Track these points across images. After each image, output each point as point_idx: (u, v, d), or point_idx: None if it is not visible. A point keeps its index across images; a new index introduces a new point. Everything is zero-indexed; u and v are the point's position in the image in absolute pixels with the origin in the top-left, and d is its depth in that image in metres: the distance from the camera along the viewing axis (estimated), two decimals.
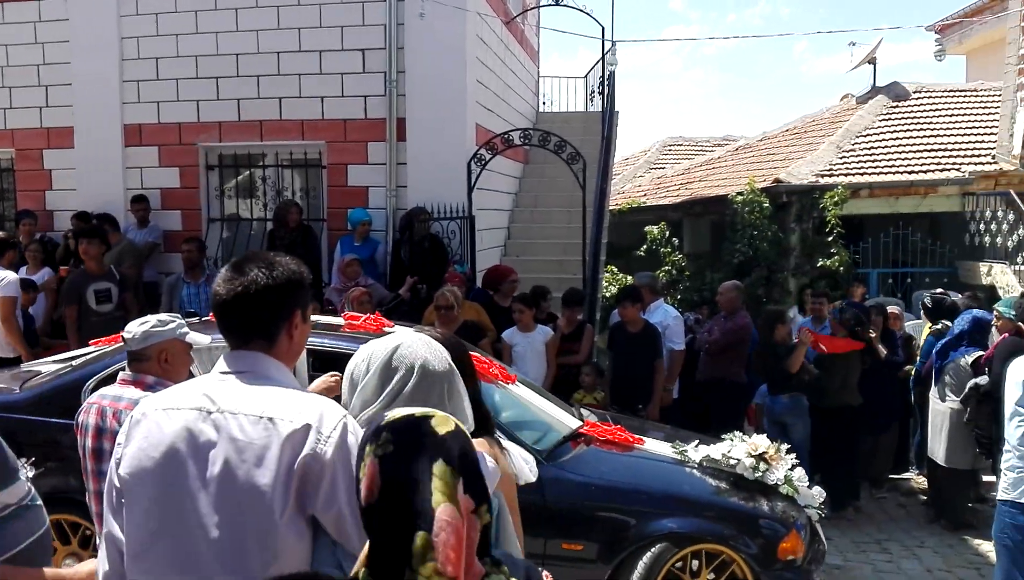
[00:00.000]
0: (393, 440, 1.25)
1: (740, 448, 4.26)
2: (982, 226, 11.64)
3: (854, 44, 15.47)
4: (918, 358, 6.91)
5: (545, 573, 1.54)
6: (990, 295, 10.50)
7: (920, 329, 7.68)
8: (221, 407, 1.61)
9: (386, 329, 4.27)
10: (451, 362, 1.72)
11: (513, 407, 4.31)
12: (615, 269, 12.89)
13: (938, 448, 6.13)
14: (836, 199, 11.42)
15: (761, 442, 4.32)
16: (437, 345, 1.74)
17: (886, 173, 12.31)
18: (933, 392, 6.21)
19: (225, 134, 7.97)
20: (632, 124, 66.60)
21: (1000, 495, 3.58)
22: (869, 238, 12.05)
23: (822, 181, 11.98)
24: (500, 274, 7.04)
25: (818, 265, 11.42)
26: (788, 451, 4.36)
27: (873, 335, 6.77)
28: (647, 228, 13.21)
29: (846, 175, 12.21)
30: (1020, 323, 4.59)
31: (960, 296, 7.32)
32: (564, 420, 4.48)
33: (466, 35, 7.71)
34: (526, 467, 2.08)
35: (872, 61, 14.79)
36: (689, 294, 12.08)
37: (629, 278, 12.69)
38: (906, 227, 12.05)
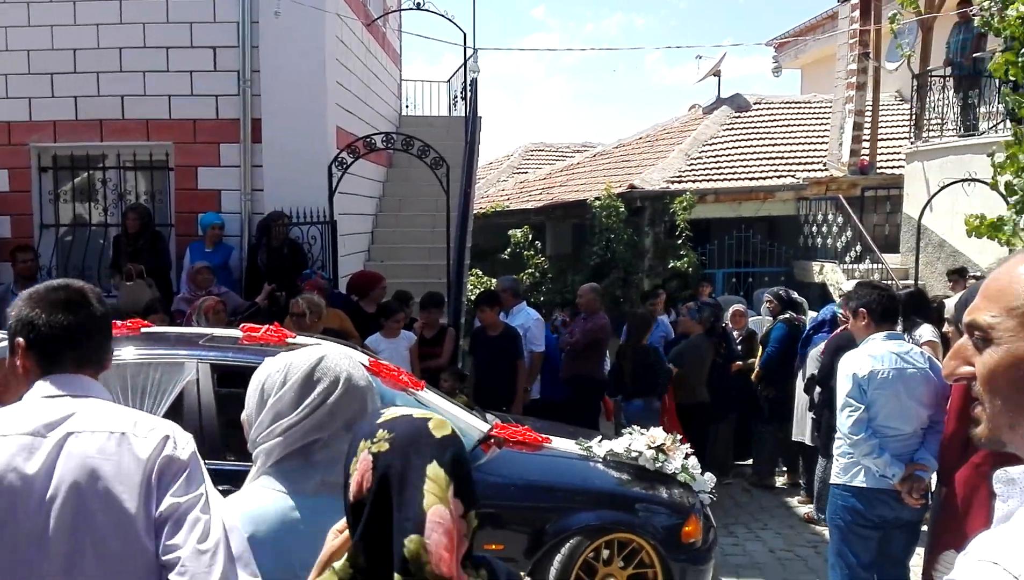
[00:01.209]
0: (389, 439, 1.26)
1: (640, 441, 4.37)
2: (815, 228, 12.24)
3: (700, 57, 16.40)
4: (765, 348, 7.12)
5: (524, 575, 1.42)
6: (821, 292, 11.24)
7: (761, 325, 8.04)
8: (68, 428, 1.55)
9: (289, 341, 4.15)
10: (369, 378, 1.71)
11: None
12: (480, 272, 12.87)
13: (805, 431, 6.30)
14: (685, 204, 11.84)
15: (658, 435, 4.42)
16: (358, 358, 1.71)
17: (730, 179, 12.86)
18: (799, 377, 6.40)
19: (60, 134, 7.53)
20: (495, 129, 67.20)
21: (833, 479, 3.75)
22: (715, 240, 12.50)
23: (672, 187, 12.37)
24: (368, 280, 6.92)
25: (669, 266, 11.81)
26: (681, 441, 4.50)
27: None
28: (511, 232, 13.25)
29: (694, 181, 12.67)
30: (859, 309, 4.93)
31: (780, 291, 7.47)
32: (474, 424, 4.49)
33: (325, 36, 7.51)
34: None
35: (717, 74, 15.50)
36: (552, 296, 12.18)
37: (494, 281, 12.77)
38: (748, 230, 12.52)
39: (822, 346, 5.74)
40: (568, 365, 6.94)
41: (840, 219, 11.72)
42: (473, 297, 10.47)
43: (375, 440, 1.27)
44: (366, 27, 9.60)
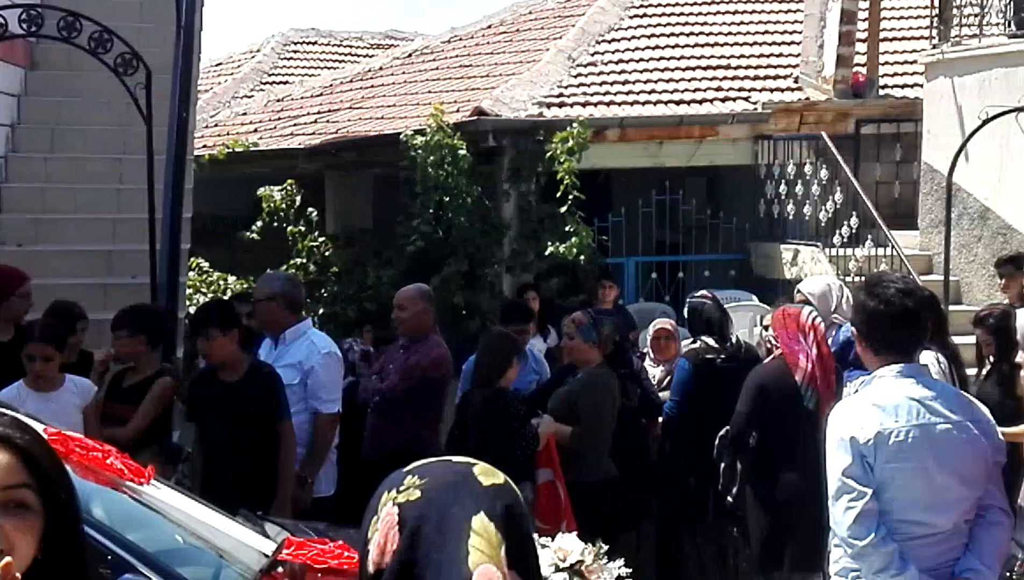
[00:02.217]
0: (420, 485, 1.65)
1: (544, 556, 4.55)
2: (783, 188, 12.41)
3: None
4: (669, 396, 7.52)
5: None
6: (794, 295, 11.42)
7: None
8: None
9: None
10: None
11: (150, 525, 4.45)
12: (205, 264, 12.93)
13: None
14: (571, 144, 11.80)
15: (569, 545, 4.61)
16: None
17: (644, 103, 12.92)
18: None
19: None
20: (231, 4, 65.22)
21: None
22: (622, 208, 12.58)
23: (548, 114, 12.35)
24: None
25: (546, 252, 11.82)
26: (609, 553, 4.70)
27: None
28: (262, 190, 13.27)
29: (584, 105, 12.65)
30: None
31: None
32: (246, 540, 4.62)
33: None
34: None
35: None
36: (339, 305, 12.17)
37: (234, 281, 12.23)
38: (675, 190, 12.57)
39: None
40: (377, 430, 7.13)
41: (824, 172, 11.94)
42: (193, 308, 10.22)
43: (402, 488, 1.64)
44: None
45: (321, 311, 12.12)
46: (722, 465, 6.55)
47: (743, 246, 12.80)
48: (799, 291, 7.16)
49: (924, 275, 10.85)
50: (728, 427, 6.42)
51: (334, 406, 6.81)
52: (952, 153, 10.02)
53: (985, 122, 9.63)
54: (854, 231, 11.44)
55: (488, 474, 1.64)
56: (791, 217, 12.33)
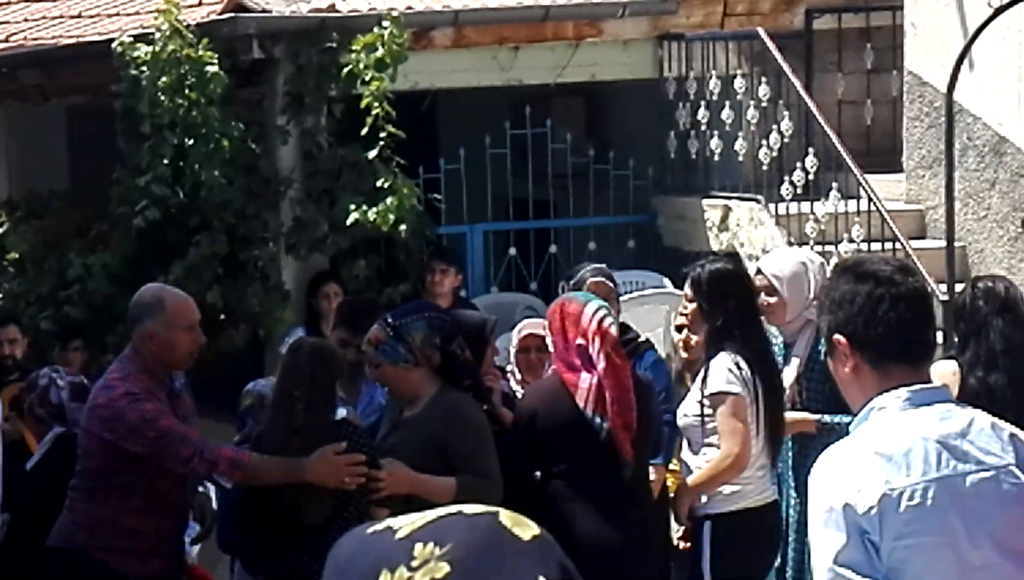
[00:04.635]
0: (446, 555, 1.84)
1: None
2: (702, 114, 12.65)
3: None
4: None
5: None
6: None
7: None
8: None
9: None
10: None
11: None
12: None
13: None
14: (381, 54, 11.89)
15: None
16: None
17: None
18: None
19: None
20: None
21: None
22: (460, 149, 12.89)
23: (344, 7, 12.53)
24: None
25: (347, 222, 11.95)
26: None
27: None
28: None
29: None
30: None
31: None
32: None
33: None
34: None
35: None
36: (29, 315, 12.40)
37: None
38: (540, 120, 12.92)
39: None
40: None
41: (763, 88, 12.16)
42: None
43: (415, 564, 1.88)
44: None
45: None
46: None
47: (646, 203, 13.04)
48: (760, 272, 7.51)
49: (916, 239, 10.95)
50: None
51: None
52: (951, 58, 10.01)
53: (998, 12, 9.60)
54: (810, 177, 11.71)
55: (519, 523, 1.81)
56: (716, 157, 12.50)
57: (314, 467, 7.29)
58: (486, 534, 1.75)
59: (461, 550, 1.72)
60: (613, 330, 6.58)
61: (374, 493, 7.19)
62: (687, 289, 7.73)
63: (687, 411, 7.45)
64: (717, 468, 7.38)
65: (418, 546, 1.74)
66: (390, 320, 7.78)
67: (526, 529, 1.78)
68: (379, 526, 1.93)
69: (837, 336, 3.95)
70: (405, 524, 1.82)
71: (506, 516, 1.81)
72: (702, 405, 7.30)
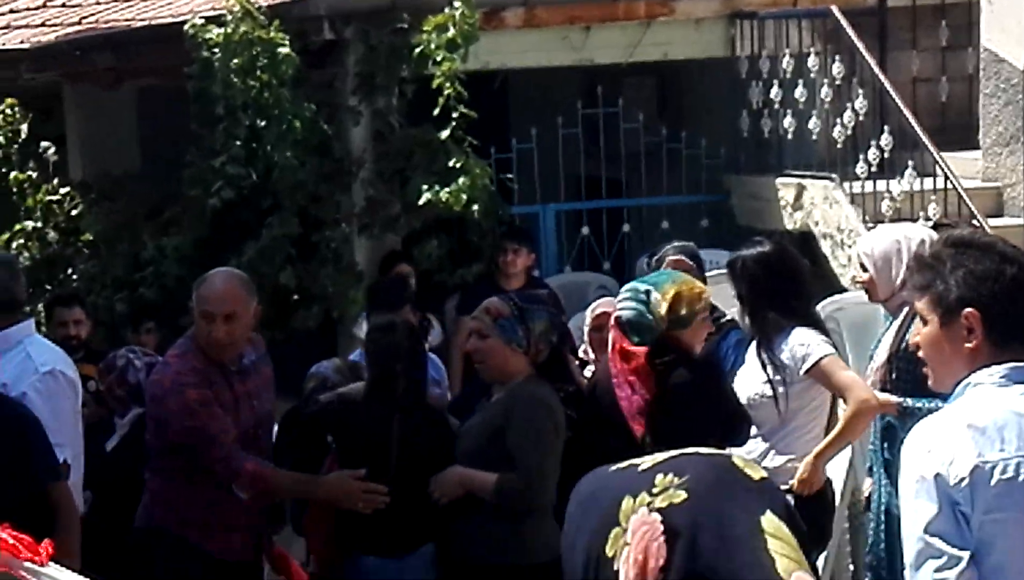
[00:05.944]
0: (685, 484, 2.06)
1: None
2: (775, 93, 12.60)
3: None
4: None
5: None
6: (802, 246, 11.39)
7: None
8: None
9: None
10: None
11: None
12: None
13: None
14: (452, 34, 11.88)
15: None
16: None
17: None
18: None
19: None
20: None
21: None
22: (532, 129, 12.89)
23: None
24: None
25: (419, 202, 11.95)
26: None
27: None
28: None
29: None
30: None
31: None
32: None
33: None
34: None
35: None
36: (104, 296, 12.51)
37: None
38: (612, 100, 12.93)
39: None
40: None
41: (837, 67, 12.15)
42: None
43: (656, 490, 2.11)
44: None
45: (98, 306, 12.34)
46: None
47: (718, 182, 13.06)
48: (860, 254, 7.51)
49: (993, 218, 10.90)
50: None
51: (60, 454, 6.76)
52: None
53: None
54: (885, 155, 11.72)
55: (750, 466, 2.03)
56: (790, 136, 12.50)
57: (329, 486, 7.43)
58: (720, 470, 1.94)
59: (697, 481, 1.91)
60: (606, 331, 6.56)
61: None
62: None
63: (756, 392, 7.47)
64: (858, 413, 7.41)
65: (659, 476, 1.94)
66: (516, 300, 7.82)
67: (756, 471, 2.03)
68: (622, 464, 2.14)
69: (970, 310, 3.91)
70: (647, 460, 2.04)
71: (738, 459, 2.02)
72: (774, 384, 7.39)
